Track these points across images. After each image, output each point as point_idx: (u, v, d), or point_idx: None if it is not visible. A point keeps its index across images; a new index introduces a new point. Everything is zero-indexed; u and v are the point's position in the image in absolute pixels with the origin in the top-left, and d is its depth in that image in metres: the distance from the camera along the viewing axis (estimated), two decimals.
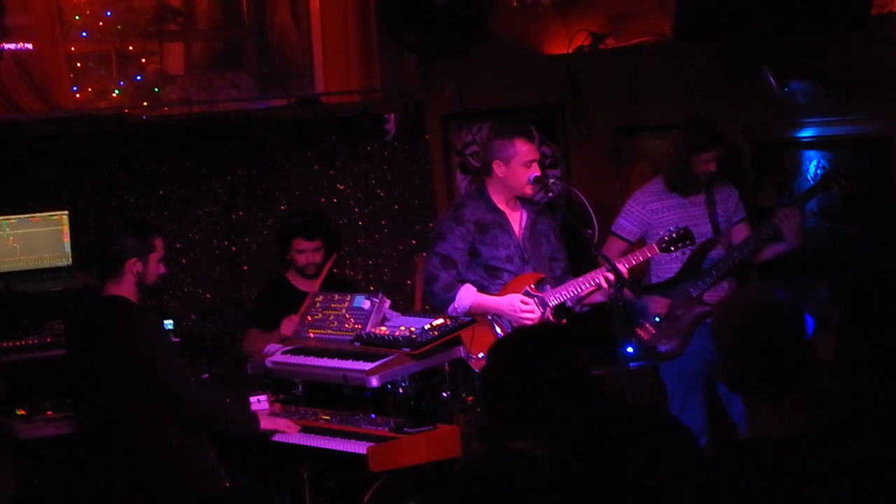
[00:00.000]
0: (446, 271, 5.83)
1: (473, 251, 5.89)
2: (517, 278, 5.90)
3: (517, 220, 5.99)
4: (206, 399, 5.21)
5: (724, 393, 6.34)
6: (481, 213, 5.93)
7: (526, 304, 5.79)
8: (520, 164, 5.86)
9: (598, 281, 5.78)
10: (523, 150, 5.86)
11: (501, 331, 5.80)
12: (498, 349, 3.30)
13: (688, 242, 5.96)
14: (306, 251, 6.35)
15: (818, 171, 6.88)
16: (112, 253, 5.09)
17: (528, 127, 6.01)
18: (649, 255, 6.03)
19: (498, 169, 5.89)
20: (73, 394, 5.42)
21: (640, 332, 6.29)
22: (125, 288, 5.09)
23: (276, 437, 5.36)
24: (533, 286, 5.88)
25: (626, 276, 5.73)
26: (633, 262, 5.95)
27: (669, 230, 6.00)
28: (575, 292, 5.86)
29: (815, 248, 6.67)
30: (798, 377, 2.91)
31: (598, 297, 5.90)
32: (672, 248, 5.96)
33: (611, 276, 5.71)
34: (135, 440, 5.01)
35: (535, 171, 5.88)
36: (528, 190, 5.91)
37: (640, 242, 6.42)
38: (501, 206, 5.96)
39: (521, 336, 3.42)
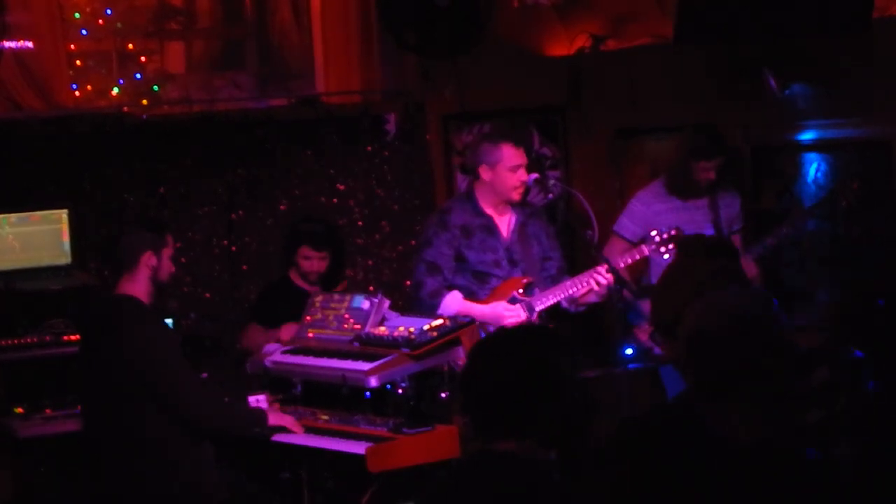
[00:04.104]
0: (432, 277, 5.83)
1: (460, 256, 5.88)
2: (505, 282, 5.89)
3: (505, 223, 5.98)
4: (214, 406, 5.19)
5: None
6: (468, 217, 5.92)
7: (510, 310, 5.78)
8: (506, 169, 5.84)
9: (588, 283, 5.76)
10: (509, 154, 5.84)
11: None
12: (477, 350, 3.26)
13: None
14: (312, 259, 6.37)
15: (818, 175, 6.88)
16: (128, 246, 5.06)
17: (520, 131, 5.98)
18: (638, 256, 6.00)
19: (484, 173, 5.88)
20: (79, 392, 5.41)
21: (637, 332, 6.28)
22: (139, 285, 5.05)
23: (277, 437, 5.36)
24: (521, 291, 5.87)
25: (621, 273, 5.72)
26: (628, 261, 5.93)
27: (662, 230, 5.97)
28: (564, 295, 5.85)
29: (816, 252, 6.67)
30: (762, 381, 2.88)
31: (592, 298, 5.89)
32: (663, 249, 5.93)
33: (601, 278, 5.70)
34: (136, 442, 4.99)
35: (523, 176, 5.85)
36: (515, 195, 5.88)
37: (642, 243, 6.41)
38: (489, 211, 5.94)
39: (500, 337, 3.37)
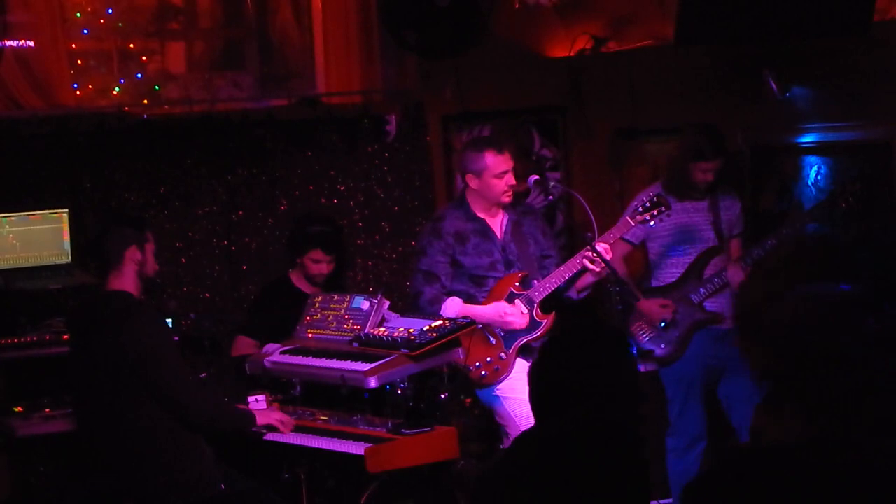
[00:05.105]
0: (430, 286, 5.84)
1: (456, 262, 5.89)
2: (501, 280, 5.89)
3: (498, 224, 5.98)
4: (205, 399, 5.21)
5: (724, 398, 6.34)
6: (461, 223, 5.92)
7: (511, 309, 5.77)
8: (491, 176, 5.85)
9: (581, 263, 5.76)
10: (493, 162, 5.84)
11: (495, 339, 5.79)
12: (553, 347, 3.35)
13: (663, 209, 5.91)
14: (322, 262, 6.37)
15: (818, 178, 6.89)
16: (111, 243, 5.10)
17: (504, 134, 5.99)
18: (625, 230, 5.99)
19: (472, 182, 5.90)
20: (73, 391, 5.42)
21: (634, 329, 6.27)
22: (127, 281, 5.09)
23: (275, 437, 5.36)
24: (517, 285, 5.87)
25: (609, 257, 5.71)
26: (616, 235, 5.90)
27: (643, 200, 5.96)
28: (559, 282, 5.85)
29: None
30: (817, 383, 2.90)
31: (590, 278, 5.87)
32: (648, 217, 5.91)
33: (591, 254, 5.69)
34: (132, 440, 5.00)
35: (510, 181, 5.86)
36: (505, 198, 5.89)
37: (643, 246, 6.41)
38: (482, 215, 5.94)
39: (579, 337, 3.44)
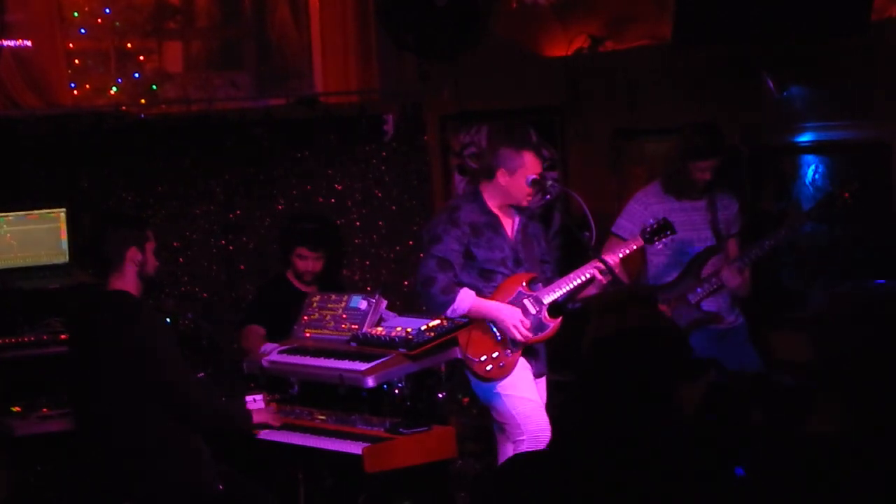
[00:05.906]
0: (443, 273, 5.79)
1: (468, 253, 5.86)
2: (510, 278, 5.87)
3: (510, 223, 5.97)
4: (205, 399, 5.20)
5: None
6: (476, 215, 5.90)
7: (525, 321, 5.75)
8: (524, 177, 5.85)
9: (590, 273, 5.77)
10: (531, 163, 5.84)
11: (501, 335, 5.78)
12: (601, 347, 3.35)
13: (668, 232, 5.92)
14: (308, 259, 6.36)
15: (816, 177, 6.89)
16: (112, 245, 5.09)
17: (530, 134, 6.01)
18: (635, 246, 6.00)
19: (501, 177, 5.87)
20: (72, 391, 5.41)
21: None
22: (128, 281, 5.09)
23: (273, 437, 5.36)
24: (525, 285, 5.86)
25: (616, 269, 5.72)
26: (621, 254, 5.92)
27: (650, 221, 5.96)
28: (568, 288, 5.84)
29: (813, 254, 6.67)
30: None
31: (592, 290, 5.88)
32: (656, 239, 5.92)
33: (602, 266, 5.71)
34: (131, 440, 5.00)
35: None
36: (525, 202, 5.89)
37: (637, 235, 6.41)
38: (495, 210, 5.94)
39: (623, 338, 3.44)
